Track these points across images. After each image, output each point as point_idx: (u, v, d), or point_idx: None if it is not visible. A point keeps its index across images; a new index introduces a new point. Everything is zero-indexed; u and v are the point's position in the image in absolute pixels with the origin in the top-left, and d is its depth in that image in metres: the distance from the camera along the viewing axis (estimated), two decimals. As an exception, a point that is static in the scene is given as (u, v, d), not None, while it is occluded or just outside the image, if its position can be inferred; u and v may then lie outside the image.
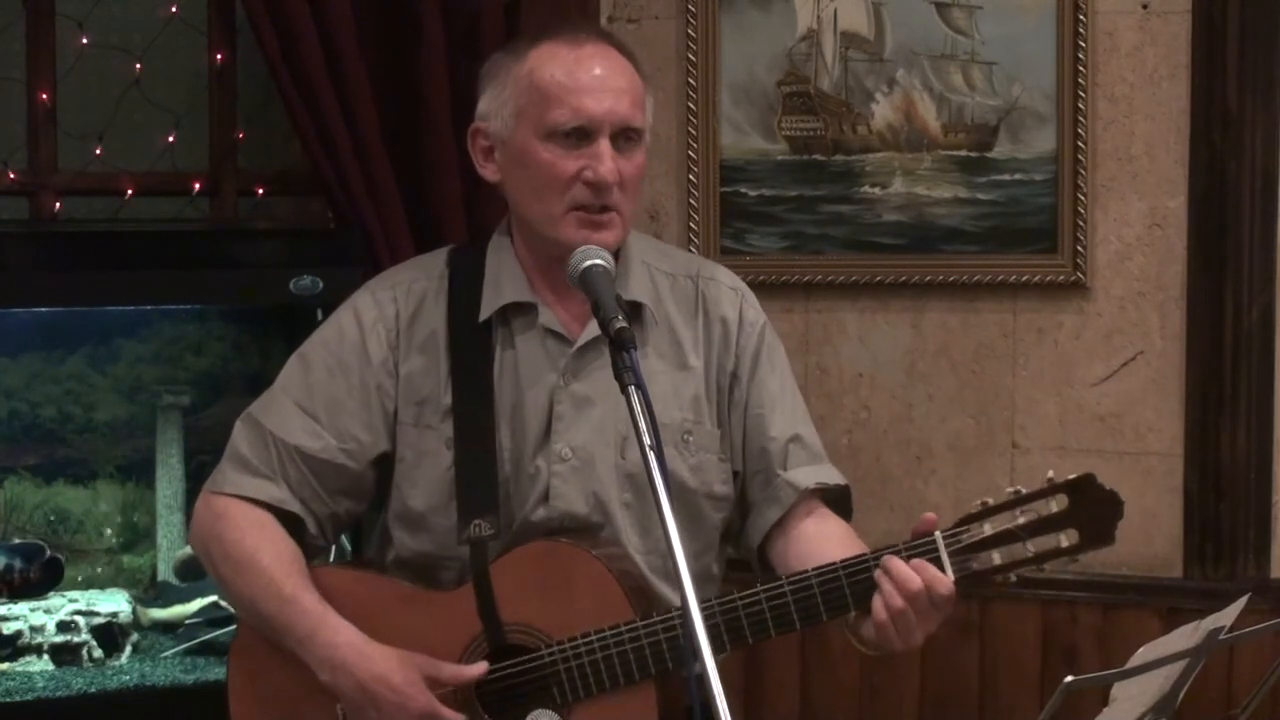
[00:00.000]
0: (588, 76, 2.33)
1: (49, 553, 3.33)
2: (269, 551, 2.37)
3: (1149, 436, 3.38)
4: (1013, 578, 2.23)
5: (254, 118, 3.59)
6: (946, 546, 2.21)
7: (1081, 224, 3.36)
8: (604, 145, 2.33)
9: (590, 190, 2.33)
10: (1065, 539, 2.21)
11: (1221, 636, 2.07)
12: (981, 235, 3.43)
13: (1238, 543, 3.31)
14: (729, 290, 2.51)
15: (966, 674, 3.46)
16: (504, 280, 2.43)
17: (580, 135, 2.33)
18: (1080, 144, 3.34)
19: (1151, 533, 3.38)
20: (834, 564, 2.25)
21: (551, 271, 2.40)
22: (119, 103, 3.54)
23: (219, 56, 3.52)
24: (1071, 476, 2.22)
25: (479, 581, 2.33)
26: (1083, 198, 3.35)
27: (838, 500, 2.50)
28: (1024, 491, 2.22)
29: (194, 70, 3.57)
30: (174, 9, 3.54)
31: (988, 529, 2.21)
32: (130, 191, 3.49)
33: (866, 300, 3.52)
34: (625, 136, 2.35)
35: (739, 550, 2.51)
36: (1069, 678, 1.82)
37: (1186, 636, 2.05)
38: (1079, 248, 3.36)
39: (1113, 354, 3.40)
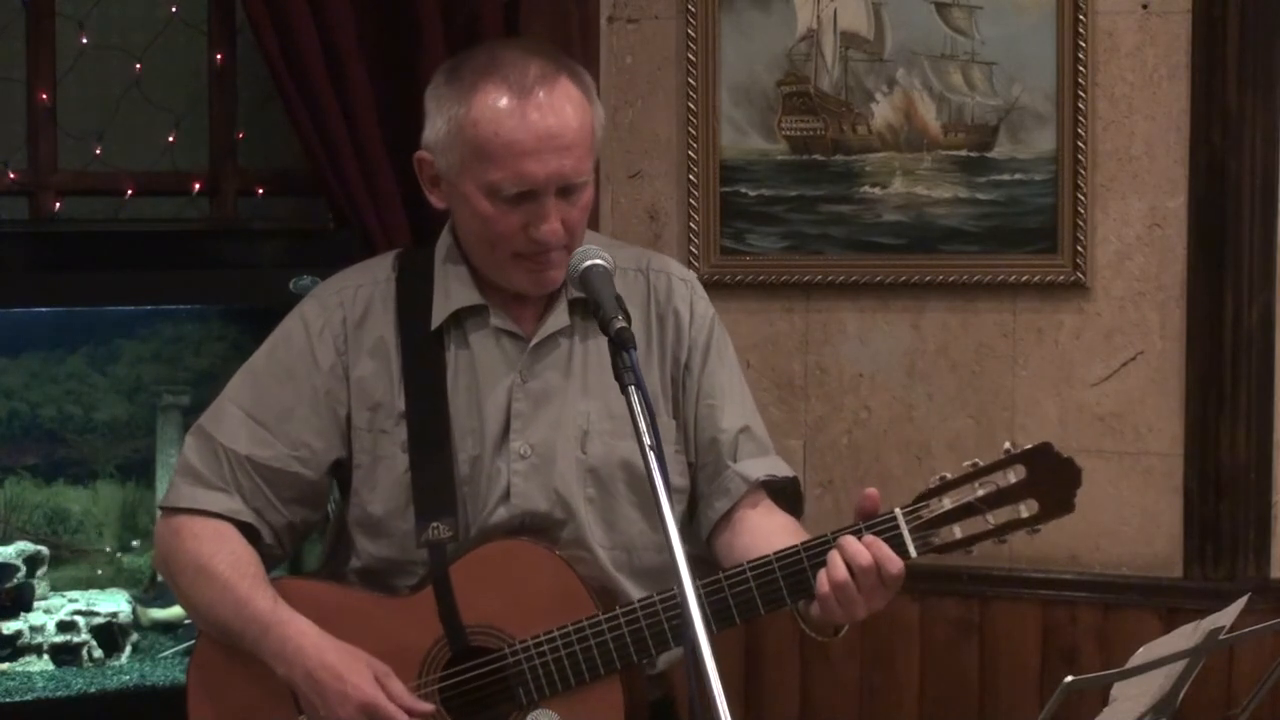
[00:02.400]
0: (531, 136, 2.26)
1: (21, 578, 3.33)
2: (224, 558, 2.36)
3: (1149, 436, 3.38)
4: (973, 550, 2.23)
5: (254, 118, 3.59)
6: (907, 523, 2.22)
7: (1081, 224, 3.36)
8: (548, 205, 2.29)
9: (534, 244, 2.31)
10: (1025, 509, 2.22)
11: (1221, 636, 2.07)
12: (981, 235, 3.43)
13: (1238, 543, 3.32)
14: (679, 282, 2.49)
15: (966, 674, 3.47)
16: (453, 286, 2.41)
17: (524, 195, 2.29)
18: (1080, 144, 3.34)
19: (1151, 533, 3.39)
20: (795, 547, 2.25)
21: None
22: (119, 103, 3.54)
23: (219, 56, 3.52)
24: (1028, 446, 2.22)
25: (438, 584, 2.32)
26: (1083, 198, 3.36)
27: (789, 493, 2.50)
28: (981, 464, 2.23)
29: (194, 70, 3.57)
30: (174, 9, 3.55)
31: (947, 503, 2.22)
32: (130, 191, 3.49)
33: (866, 300, 3.53)
34: (571, 186, 2.31)
35: (691, 544, 2.50)
36: (1069, 678, 1.81)
37: (1186, 636, 2.05)
38: (1079, 248, 3.37)
39: (1113, 354, 3.40)
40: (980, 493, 2.21)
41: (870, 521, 2.23)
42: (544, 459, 2.37)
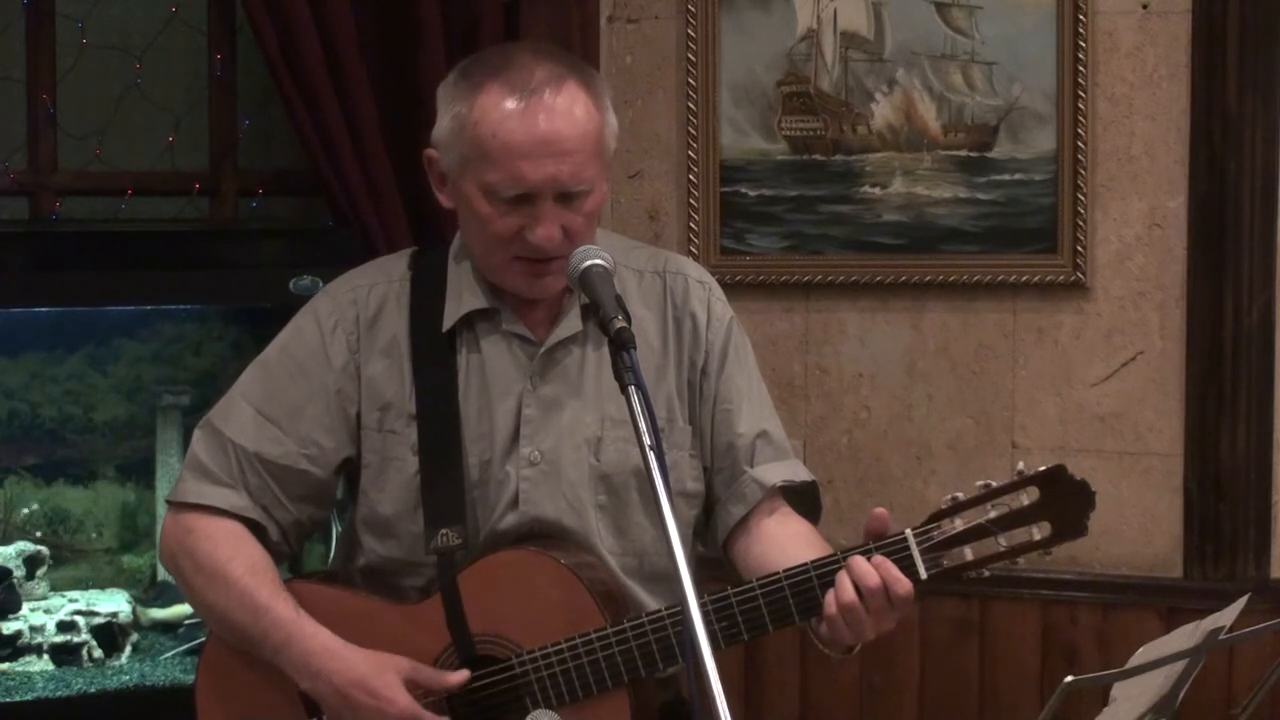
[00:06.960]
0: (528, 139, 2.23)
1: (9, 578, 3.33)
2: (241, 562, 2.35)
3: (1149, 436, 3.38)
4: (985, 572, 2.21)
5: (254, 118, 3.60)
6: (918, 544, 2.20)
7: (1081, 224, 3.36)
8: (544, 209, 2.26)
9: (530, 248, 2.28)
10: (1038, 531, 2.19)
11: (1221, 636, 2.07)
12: (981, 235, 3.43)
13: (1238, 543, 3.32)
14: (696, 284, 2.46)
15: (966, 674, 3.47)
16: (465, 289, 2.39)
17: (521, 198, 2.26)
18: (1080, 144, 3.35)
19: (1151, 533, 3.39)
20: (805, 564, 2.23)
21: None
22: (119, 103, 3.54)
23: (219, 56, 3.53)
24: (1042, 468, 2.20)
25: (447, 592, 2.31)
26: (1083, 198, 3.36)
27: (807, 496, 2.47)
28: (994, 485, 2.20)
29: (194, 70, 3.58)
30: (174, 9, 3.55)
31: (959, 524, 2.19)
32: (130, 191, 3.50)
33: (866, 300, 3.53)
34: (569, 193, 2.27)
35: (709, 548, 2.49)
36: (1069, 678, 1.82)
37: (1186, 636, 2.05)
38: (1079, 248, 3.37)
39: (1113, 354, 3.40)
40: (993, 514, 2.19)
41: (881, 542, 2.21)
42: (553, 466, 2.36)
